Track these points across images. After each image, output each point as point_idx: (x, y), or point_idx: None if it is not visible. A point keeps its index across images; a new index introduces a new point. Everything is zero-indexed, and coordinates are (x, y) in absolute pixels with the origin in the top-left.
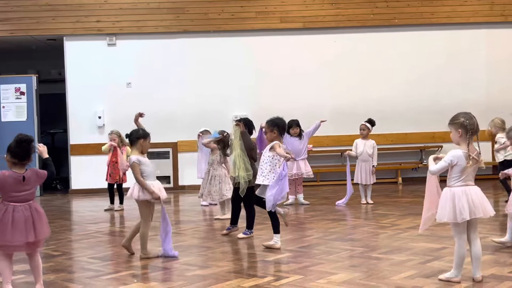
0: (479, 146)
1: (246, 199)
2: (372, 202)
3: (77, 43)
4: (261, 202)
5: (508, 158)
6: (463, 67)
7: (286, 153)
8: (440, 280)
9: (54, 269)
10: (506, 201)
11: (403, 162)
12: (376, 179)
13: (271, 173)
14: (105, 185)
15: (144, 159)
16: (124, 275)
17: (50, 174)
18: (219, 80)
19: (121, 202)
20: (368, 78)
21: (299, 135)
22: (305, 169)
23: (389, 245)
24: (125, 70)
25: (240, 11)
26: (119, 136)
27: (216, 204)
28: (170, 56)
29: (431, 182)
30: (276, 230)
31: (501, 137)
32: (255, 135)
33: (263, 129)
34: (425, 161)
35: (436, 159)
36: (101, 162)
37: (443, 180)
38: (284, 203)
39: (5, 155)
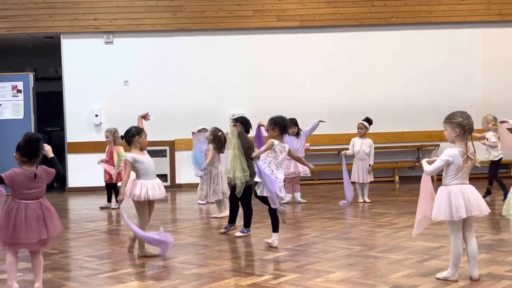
0: (473, 145)
1: (243, 198)
2: (369, 200)
3: (74, 41)
4: (266, 199)
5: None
6: (460, 66)
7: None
8: (437, 279)
9: (51, 267)
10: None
11: (400, 161)
12: (373, 177)
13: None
14: (102, 183)
15: (141, 157)
16: (121, 273)
17: (58, 171)
18: (216, 79)
19: (117, 201)
20: (365, 77)
21: (297, 134)
22: (303, 167)
23: (386, 244)
24: (122, 68)
25: (237, 10)
26: (113, 134)
27: (213, 203)
28: (168, 54)
29: (426, 184)
30: (275, 229)
31: (492, 135)
32: (252, 133)
33: (261, 127)
34: (421, 160)
35: (430, 163)
36: (98, 160)
37: (439, 179)
38: (281, 202)
39: (14, 154)
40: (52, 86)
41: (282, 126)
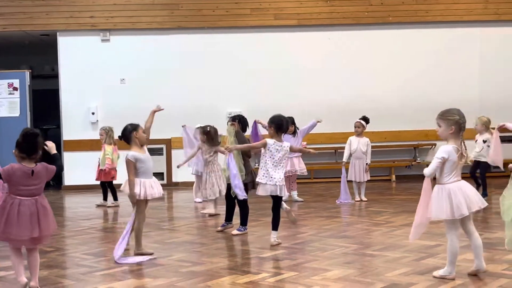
0: (464, 143)
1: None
2: (366, 199)
3: (70, 39)
4: (276, 198)
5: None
6: (457, 65)
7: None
8: (434, 277)
9: (48, 265)
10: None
11: (397, 160)
12: (370, 176)
13: (261, 169)
14: (97, 181)
15: (142, 155)
16: (117, 271)
17: (59, 168)
18: (213, 77)
19: (115, 198)
20: (362, 76)
21: (294, 132)
22: (299, 166)
23: (383, 242)
24: (119, 66)
25: (234, 8)
26: (107, 132)
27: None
28: (164, 52)
29: (428, 189)
30: (273, 227)
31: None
32: (248, 132)
33: (258, 124)
34: (418, 158)
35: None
36: (94, 158)
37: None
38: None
39: (13, 150)
40: (48, 83)
41: (276, 124)
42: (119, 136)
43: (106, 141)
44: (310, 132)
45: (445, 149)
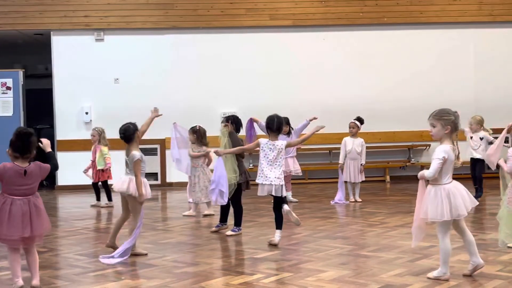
0: (457, 143)
1: (233, 197)
2: (360, 200)
3: (64, 38)
4: (277, 198)
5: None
6: (452, 66)
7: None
8: (429, 278)
9: (41, 266)
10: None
11: (391, 161)
12: (365, 177)
13: (258, 169)
14: (90, 181)
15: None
16: (111, 272)
17: (53, 167)
18: (207, 77)
19: (109, 199)
20: (357, 76)
21: (288, 133)
22: (294, 166)
23: (378, 243)
24: (113, 66)
25: (229, 8)
26: (100, 134)
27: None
28: (159, 52)
29: (423, 191)
30: (278, 226)
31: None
32: (243, 132)
33: (254, 122)
34: (413, 159)
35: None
36: (87, 158)
37: None
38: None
39: (7, 150)
40: (41, 83)
41: (267, 124)
42: (121, 136)
43: (101, 142)
44: (304, 132)
45: (444, 149)
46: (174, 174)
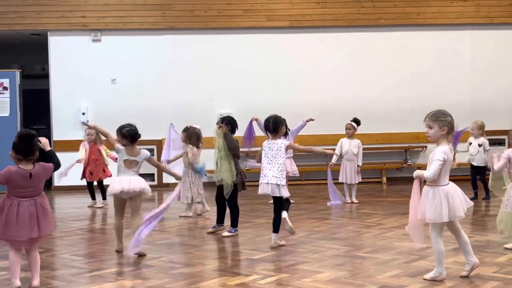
0: (453, 144)
1: (230, 198)
2: (356, 201)
3: (61, 39)
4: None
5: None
6: (449, 68)
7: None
8: (425, 279)
9: None
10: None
11: (388, 162)
12: (361, 178)
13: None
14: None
15: None
16: (107, 272)
17: (56, 165)
18: (205, 78)
19: (104, 198)
20: (353, 78)
21: (285, 134)
22: (291, 167)
23: (374, 244)
24: (110, 66)
25: (226, 9)
26: (97, 133)
27: (199, 202)
28: (156, 52)
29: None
30: (273, 229)
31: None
32: (238, 133)
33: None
34: (409, 161)
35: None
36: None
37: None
38: (269, 202)
39: (10, 153)
40: (38, 83)
41: (265, 124)
42: (131, 137)
43: (97, 141)
44: (301, 134)
45: (443, 150)
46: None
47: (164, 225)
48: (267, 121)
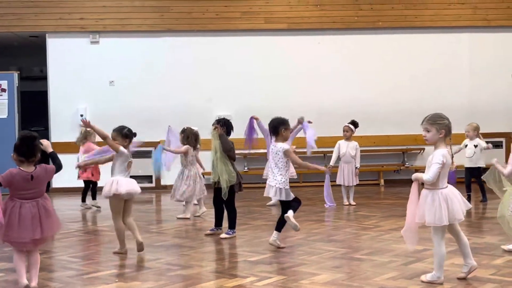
0: (451, 147)
1: (227, 200)
2: (354, 203)
3: (59, 40)
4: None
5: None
6: (446, 71)
7: None
8: (422, 281)
9: None
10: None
11: (386, 164)
12: (359, 180)
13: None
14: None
15: None
16: (105, 274)
17: (58, 167)
18: (203, 80)
19: (94, 198)
20: (351, 80)
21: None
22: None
23: (372, 247)
24: (108, 68)
25: (224, 11)
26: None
27: (197, 204)
28: (154, 54)
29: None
30: (276, 227)
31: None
32: (233, 135)
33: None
34: (407, 163)
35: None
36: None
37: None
38: (267, 204)
39: (12, 154)
40: (36, 85)
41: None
42: (131, 136)
43: (93, 139)
44: (299, 136)
45: (442, 153)
46: (169, 177)
47: (161, 227)
48: (269, 123)
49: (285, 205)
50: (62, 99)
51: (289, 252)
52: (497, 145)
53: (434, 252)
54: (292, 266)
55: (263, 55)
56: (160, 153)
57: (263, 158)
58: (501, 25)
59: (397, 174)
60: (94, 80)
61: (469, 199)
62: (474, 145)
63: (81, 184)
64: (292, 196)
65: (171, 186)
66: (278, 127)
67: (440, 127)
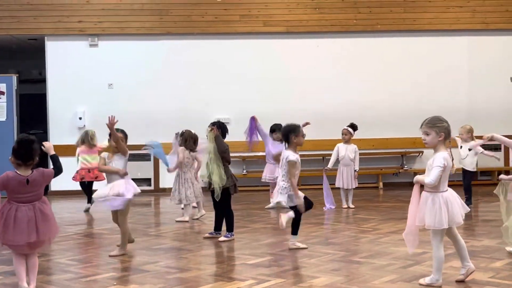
0: (451, 150)
1: (223, 203)
2: (353, 206)
3: (58, 43)
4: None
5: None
6: (445, 74)
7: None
8: (421, 284)
9: None
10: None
11: (384, 167)
12: (358, 183)
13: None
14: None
15: None
16: (103, 277)
17: (57, 171)
18: (201, 83)
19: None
20: (350, 83)
21: (281, 139)
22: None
23: (370, 250)
24: (107, 71)
25: (223, 14)
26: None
27: (196, 207)
28: (153, 57)
29: (417, 197)
30: (292, 231)
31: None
32: (229, 138)
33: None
34: (406, 166)
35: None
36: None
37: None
38: (266, 207)
39: (9, 157)
40: (35, 88)
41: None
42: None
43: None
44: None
45: (443, 156)
46: (167, 180)
47: (160, 230)
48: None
49: (293, 208)
50: (61, 102)
51: (287, 255)
52: (495, 148)
53: (433, 255)
54: (291, 269)
55: (262, 58)
56: (160, 148)
57: (262, 161)
58: (500, 28)
59: (396, 177)
60: (93, 83)
61: (467, 201)
62: (469, 149)
63: (79, 187)
64: (294, 202)
65: (170, 188)
66: (288, 135)
67: (439, 130)
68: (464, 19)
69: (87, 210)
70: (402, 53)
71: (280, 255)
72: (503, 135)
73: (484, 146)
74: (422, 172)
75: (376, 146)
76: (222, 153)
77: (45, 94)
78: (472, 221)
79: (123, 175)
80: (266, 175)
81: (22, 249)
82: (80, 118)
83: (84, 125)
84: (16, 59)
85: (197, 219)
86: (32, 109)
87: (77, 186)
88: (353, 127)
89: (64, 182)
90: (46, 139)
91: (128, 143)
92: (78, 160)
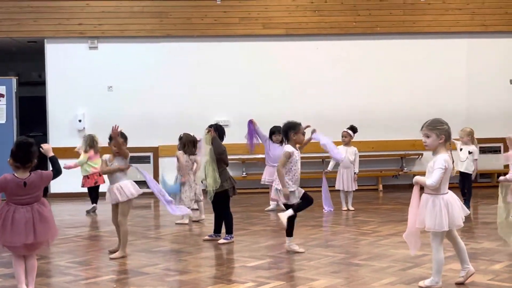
0: (451, 152)
1: (221, 205)
2: (353, 208)
3: (58, 46)
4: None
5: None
6: (444, 76)
7: None
8: (420, 287)
9: None
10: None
11: (384, 169)
12: (357, 186)
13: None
14: (83, 189)
15: None
16: (103, 280)
17: (56, 172)
18: (201, 85)
19: (95, 202)
20: (350, 85)
21: (281, 141)
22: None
23: (370, 252)
24: (107, 74)
25: (223, 16)
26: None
27: (197, 209)
28: (152, 60)
29: (417, 198)
30: (286, 234)
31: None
32: (227, 140)
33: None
34: (405, 168)
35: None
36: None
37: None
38: (265, 209)
39: (8, 160)
40: (35, 91)
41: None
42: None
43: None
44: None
45: (444, 158)
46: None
47: (159, 232)
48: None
49: (288, 207)
50: (60, 105)
51: (287, 257)
52: (494, 151)
53: (433, 258)
54: (290, 272)
55: (261, 61)
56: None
57: (261, 163)
58: (499, 31)
59: (395, 179)
60: (93, 85)
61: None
62: (469, 152)
63: (79, 189)
64: (294, 200)
65: None
66: (287, 132)
67: (440, 132)
68: (463, 22)
69: (94, 211)
70: (401, 56)
71: (280, 257)
72: (502, 137)
73: (484, 148)
74: (422, 174)
75: (376, 148)
76: (220, 155)
77: (44, 97)
78: (471, 224)
79: (126, 169)
80: (265, 178)
81: (20, 250)
82: (80, 121)
83: (84, 128)
84: (16, 61)
85: (196, 221)
86: (32, 112)
87: (77, 189)
88: (353, 129)
89: (64, 184)
90: (45, 142)
91: (127, 146)
92: (87, 165)
